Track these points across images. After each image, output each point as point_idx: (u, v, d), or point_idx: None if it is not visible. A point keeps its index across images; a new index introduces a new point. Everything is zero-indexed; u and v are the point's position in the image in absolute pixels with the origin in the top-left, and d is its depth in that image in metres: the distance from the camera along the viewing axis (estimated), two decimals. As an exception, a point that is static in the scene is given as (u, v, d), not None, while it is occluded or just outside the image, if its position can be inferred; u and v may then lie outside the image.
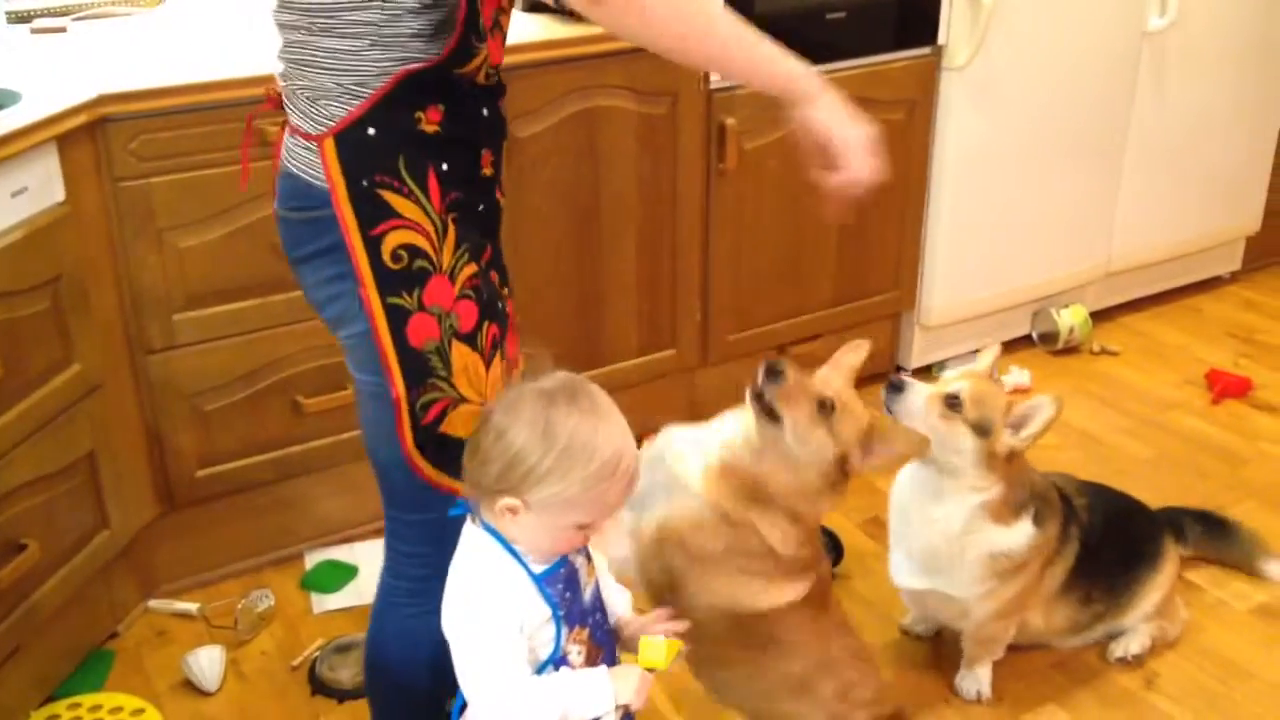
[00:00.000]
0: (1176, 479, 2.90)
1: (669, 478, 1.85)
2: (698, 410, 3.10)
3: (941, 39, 3.01)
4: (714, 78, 2.74)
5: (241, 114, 1.82)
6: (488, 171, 1.61)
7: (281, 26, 1.54)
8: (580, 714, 1.44)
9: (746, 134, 2.83)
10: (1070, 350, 3.51)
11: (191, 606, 2.47)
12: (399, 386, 1.53)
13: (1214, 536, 2.57)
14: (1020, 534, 2.13)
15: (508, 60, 2.37)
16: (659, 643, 1.52)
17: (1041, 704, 2.23)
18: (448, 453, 1.56)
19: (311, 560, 2.63)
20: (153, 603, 2.49)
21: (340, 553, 2.64)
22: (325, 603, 2.51)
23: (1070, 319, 3.48)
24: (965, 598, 2.17)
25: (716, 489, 1.79)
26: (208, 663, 2.28)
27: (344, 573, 2.58)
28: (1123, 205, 3.53)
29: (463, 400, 1.56)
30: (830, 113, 1.58)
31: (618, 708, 1.46)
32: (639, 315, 2.88)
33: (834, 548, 2.59)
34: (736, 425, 1.85)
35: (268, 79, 1.65)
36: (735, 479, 1.79)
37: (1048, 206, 3.37)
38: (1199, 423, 3.15)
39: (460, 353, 1.55)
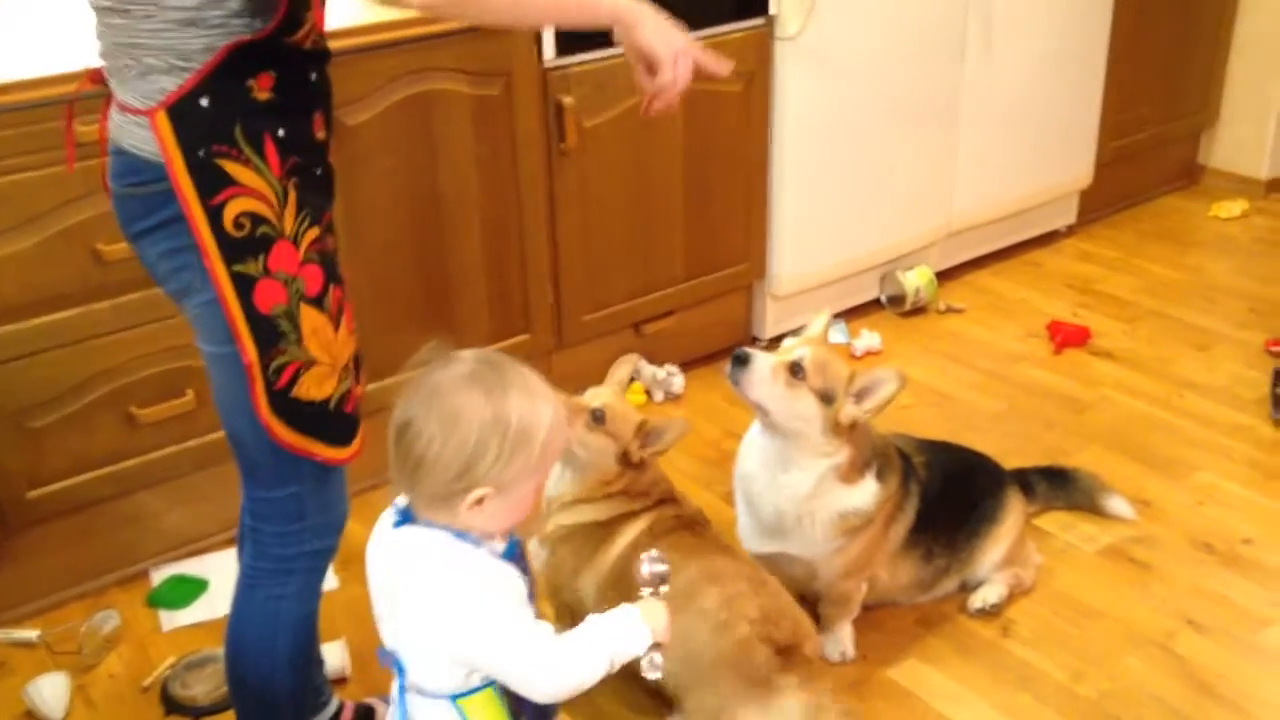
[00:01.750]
0: (1024, 429, 2.98)
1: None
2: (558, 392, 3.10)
3: (773, 9, 3.03)
4: (548, 55, 2.70)
5: (55, 113, 1.74)
6: (320, 135, 1.62)
7: (99, 10, 1.52)
8: (626, 655, 1.48)
9: (585, 112, 2.80)
10: (918, 311, 3.58)
11: (31, 634, 2.36)
12: (250, 353, 1.54)
13: (1058, 486, 2.64)
14: (866, 492, 2.17)
15: (335, 45, 2.32)
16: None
17: (902, 657, 2.27)
18: (303, 414, 1.59)
19: (158, 577, 2.53)
20: (-11, 633, 2.37)
21: (189, 566, 2.55)
22: (175, 619, 2.42)
23: (916, 280, 3.55)
24: (813, 558, 2.20)
25: (543, 528, 2.12)
26: (50, 692, 2.17)
27: (193, 587, 2.48)
28: (961, 165, 3.60)
29: (315, 362, 1.58)
30: (652, 31, 1.65)
31: (653, 645, 1.49)
32: (490, 301, 2.83)
33: (695, 522, 2.61)
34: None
35: (82, 75, 1.63)
36: (552, 506, 2.12)
37: (888, 171, 3.42)
38: (1043, 373, 3.24)
39: (309, 315, 1.56)
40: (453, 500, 1.40)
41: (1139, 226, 4.17)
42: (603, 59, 2.77)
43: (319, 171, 1.61)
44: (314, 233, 1.57)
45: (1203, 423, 2.98)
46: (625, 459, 2.07)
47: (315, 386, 1.60)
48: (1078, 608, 2.38)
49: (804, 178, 3.24)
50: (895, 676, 2.23)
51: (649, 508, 2.10)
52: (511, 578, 1.45)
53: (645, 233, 3.04)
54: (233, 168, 1.48)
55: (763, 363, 2.10)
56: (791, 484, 2.14)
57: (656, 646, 1.50)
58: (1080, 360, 3.30)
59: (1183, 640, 2.28)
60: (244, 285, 1.51)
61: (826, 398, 2.09)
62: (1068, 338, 3.36)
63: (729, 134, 3.09)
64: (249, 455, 1.66)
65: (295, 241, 1.54)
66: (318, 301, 1.58)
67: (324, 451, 1.64)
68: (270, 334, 1.54)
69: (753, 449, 2.23)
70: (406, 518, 1.47)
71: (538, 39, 2.68)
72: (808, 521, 2.16)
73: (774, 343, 3.40)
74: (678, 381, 3.18)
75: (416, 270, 2.68)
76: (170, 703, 2.20)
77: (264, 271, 1.52)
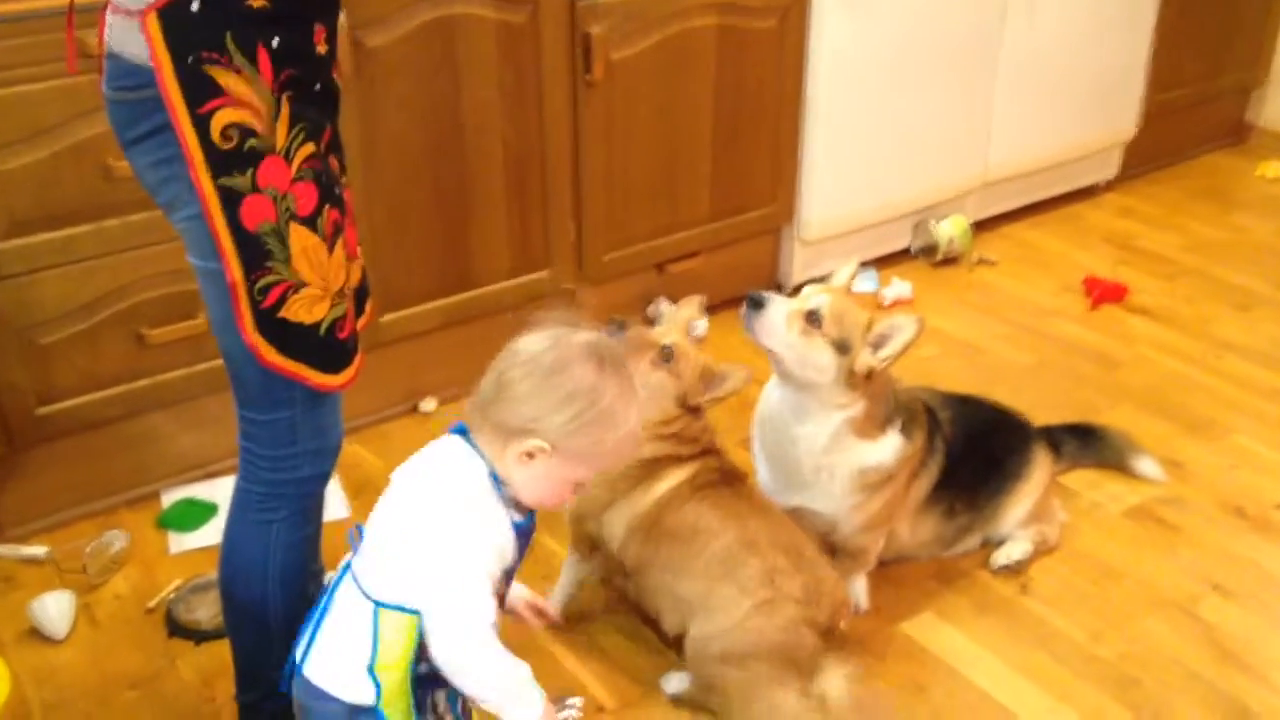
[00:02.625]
0: (1055, 384, 2.90)
1: None
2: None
3: (813, -59, 2.93)
4: (577, -17, 2.62)
5: (62, 23, 1.68)
6: (322, 49, 1.54)
7: None
8: (506, 712, 1.52)
9: (613, 43, 2.72)
10: (951, 261, 3.49)
11: (39, 550, 2.34)
12: (234, 270, 1.48)
13: (1087, 445, 2.57)
14: (888, 447, 2.10)
15: (350, -38, 2.23)
16: None
17: (918, 613, 2.22)
18: (291, 337, 1.54)
19: (169, 499, 2.51)
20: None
21: (199, 490, 2.52)
22: (183, 542, 2.40)
23: (950, 230, 3.46)
24: (833, 512, 2.14)
25: None
26: (55, 609, 2.16)
27: (203, 510, 2.46)
28: (999, 113, 3.50)
29: (304, 285, 1.53)
30: None
31: None
32: (510, 235, 2.77)
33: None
34: None
35: None
36: None
37: (925, 116, 3.32)
38: (1077, 328, 3.16)
39: (299, 235, 1.51)
40: (511, 440, 1.44)
41: (1183, 183, 4.06)
42: (634, -12, 2.69)
43: (318, 87, 1.54)
44: (309, 149, 1.51)
45: (1239, 384, 2.89)
46: (683, 401, 1.99)
47: (305, 309, 1.54)
48: (1100, 568, 2.31)
49: (837, 120, 3.16)
50: (910, 631, 2.18)
51: (694, 456, 2.01)
52: (504, 547, 1.48)
53: (671, 171, 2.96)
54: (223, 76, 1.42)
55: (778, 308, 2.03)
56: (806, 436, 2.08)
57: None
58: (1116, 317, 3.22)
59: (1208, 605, 2.22)
60: (230, 199, 1.46)
61: (842, 347, 2.02)
62: (1104, 293, 3.27)
63: (761, 72, 3.00)
64: (239, 374, 1.61)
65: (287, 157, 1.48)
66: (310, 221, 1.52)
67: (314, 377, 1.58)
68: (256, 252, 1.48)
69: (770, 399, 2.17)
70: (462, 430, 1.49)
71: (567, -35, 2.60)
72: (825, 475, 2.10)
73: (800, 288, 3.33)
74: (700, 325, 3.12)
75: (435, 200, 2.62)
76: (174, 625, 2.18)
77: (252, 186, 1.46)
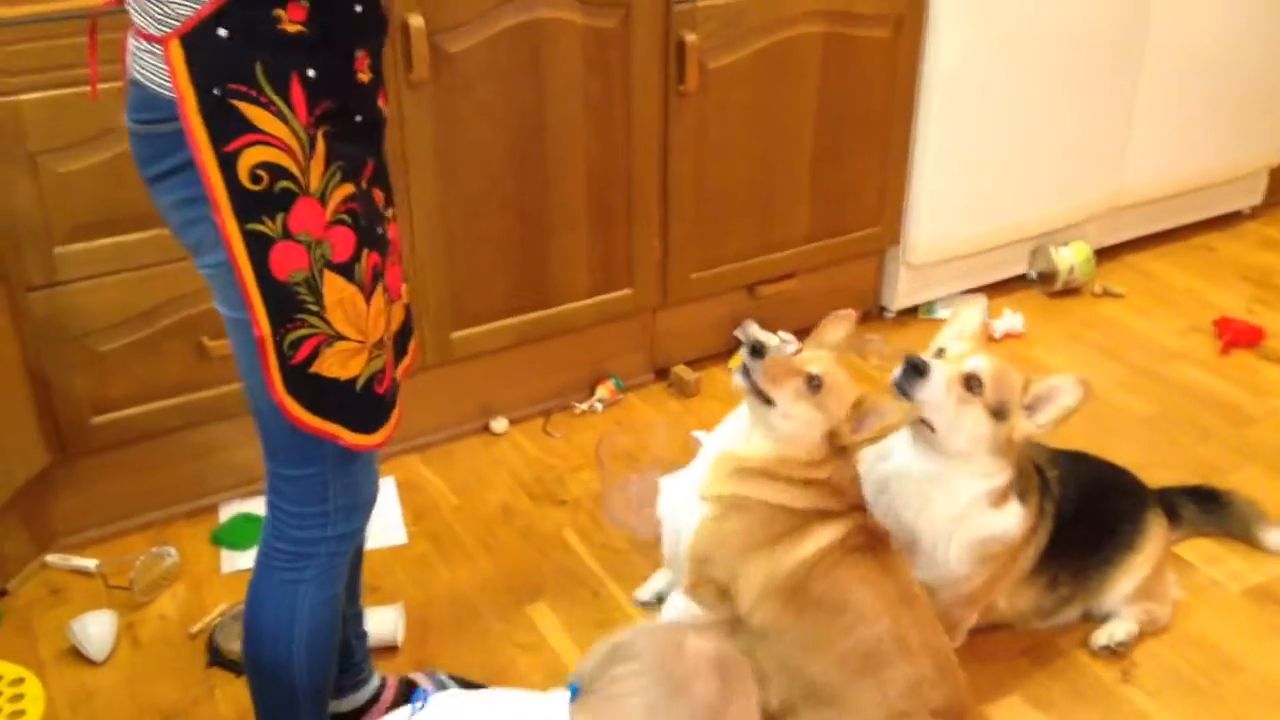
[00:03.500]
0: (1175, 439, 2.66)
1: (674, 522, 1.92)
2: (659, 354, 2.90)
3: (933, -53, 2.72)
4: (673, -12, 2.46)
5: (125, 21, 1.58)
6: (364, 76, 1.41)
7: None
8: None
9: (709, 52, 2.55)
10: (1070, 291, 3.25)
11: (90, 563, 2.28)
12: (263, 324, 1.37)
13: (1209, 511, 2.34)
14: (1012, 516, 1.92)
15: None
16: None
17: (1005, 695, 2.02)
18: (324, 394, 1.42)
19: (226, 513, 2.43)
20: (50, 558, 2.30)
21: (257, 505, 2.44)
22: (235, 561, 2.32)
23: (1071, 257, 3.22)
24: (938, 581, 1.95)
25: (712, 484, 1.83)
26: (95, 630, 2.09)
27: (258, 527, 2.36)
28: (1136, 133, 3.24)
29: (339, 337, 1.40)
30: None
31: None
32: (590, 252, 2.63)
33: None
34: (728, 424, 1.90)
35: None
36: (730, 464, 1.83)
37: (1050, 134, 3.08)
38: (1204, 375, 2.90)
39: (335, 284, 1.38)
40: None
41: (1335, 214, 3.74)
42: (735, -6, 2.52)
43: (360, 118, 1.41)
44: (346, 190, 1.38)
45: (1387, 451, 2.62)
46: (833, 439, 1.77)
47: (339, 364, 1.42)
48: (1214, 656, 2.09)
49: (952, 137, 2.94)
50: (994, 715, 1.98)
51: (845, 511, 1.80)
52: None
53: (766, 187, 2.78)
54: (251, 111, 1.30)
55: (939, 374, 1.83)
56: (939, 505, 1.89)
57: None
58: (1249, 364, 2.94)
59: (1335, 709, 1.98)
60: (259, 246, 1.34)
61: (1000, 413, 1.83)
62: (1237, 337, 3.00)
63: (871, 84, 2.80)
64: (266, 429, 1.50)
65: (323, 200, 1.36)
66: (346, 269, 1.39)
67: (347, 436, 1.46)
68: (286, 303, 1.36)
69: (891, 457, 1.95)
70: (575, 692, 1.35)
71: (661, -34, 2.44)
72: (944, 544, 1.91)
73: (906, 314, 3.14)
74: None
75: (513, 212, 2.49)
76: (215, 654, 2.10)
77: (283, 233, 1.34)
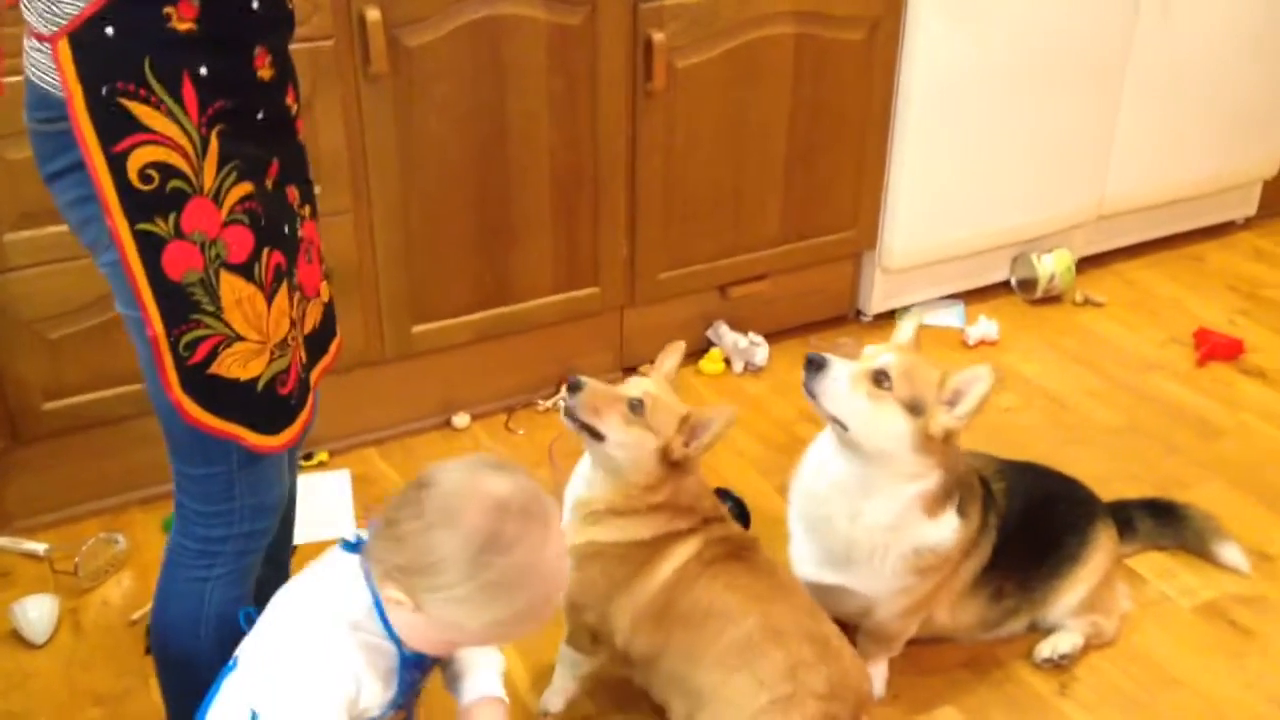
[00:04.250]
0: (1142, 451, 2.62)
1: None
2: (627, 353, 2.89)
3: (909, -52, 2.69)
4: (639, -14, 2.45)
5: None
6: (265, 74, 1.40)
7: None
8: None
9: (678, 51, 2.54)
10: (1051, 299, 3.22)
11: (39, 547, 2.30)
12: (155, 324, 1.37)
13: (1165, 525, 2.31)
14: (946, 527, 1.89)
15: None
16: None
17: (939, 705, 2.00)
18: (223, 394, 1.42)
19: (182, 501, 2.44)
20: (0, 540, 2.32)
21: (211, 494, 2.45)
22: (185, 549, 2.32)
23: (1052, 265, 3.18)
24: (874, 594, 1.93)
25: (568, 536, 1.81)
26: (35, 613, 2.11)
27: (209, 517, 2.39)
28: (1120, 140, 3.20)
29: (238, 338, 1.40)
30: None
31: None
32: (555, 250, 2.62)
33: (740, 515, 2.35)
34: (578, 472, 1.90)
35: None
36: (582, 511, 1.85)
37: (1032, 139, 3.05)
38: (1179, 387, 2.86)
39: (231, 285, 1.38)
40: (383, 580, 1.34)
41: (1332, 226, 3.67)
42: (703, -7, 2.50)
43: (260, 116, 1.40)
44: (243, 189, 1.37)
45: (1356, 468, 2.57)
46: (665, 456, 1.79)
47: (239, 365, 1.41)
48: (1155, 672, 2.06)
49: (930, 140, 2.91)
50: (924, 725, 1.97)
51: (695, 528, 1.82)
52: (369, 680, 1.36)
53: (737, 188, 2.77)
54: (140, 110, 1.29)
55: (841, 369, 1.80)
56: (871, 513, 1.86)
57: None
58: (1226, 377, 2.90)
59: (1273, 731, 1.95)
60: (151, 247, 1.33)
61: (915, 408, 1.80)
62: (1215, 349, 2.95)
63: (846, 87, 2.78)
64: (168, 429, 1.49)
65: (217, 199, 1.35)
66: (244, 269, 1.38)
67: (249, 437, 1.46)
68: (180, 304, 1.36)
69: (825, 468, 1.92)
70: (356, 546, 1.37)
71: (628, -35, 2.43)
72: (880, 555, 1.88)
73: (882, 319, 3.12)
74: (761, 353, 2.93)
75: (475, 209, 2.49)
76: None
77: (175, 233, 1.33)
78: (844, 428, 1.82)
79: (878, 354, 1.86)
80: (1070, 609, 2.10)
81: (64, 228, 2.09)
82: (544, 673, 2.01)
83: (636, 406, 1.77)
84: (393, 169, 2.38)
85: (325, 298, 1.64)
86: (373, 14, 2.21)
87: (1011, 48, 2.90)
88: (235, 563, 1.57)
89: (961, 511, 1.91)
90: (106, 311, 2.22)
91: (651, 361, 2.84)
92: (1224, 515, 2.35)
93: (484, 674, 1.56)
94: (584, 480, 1.87)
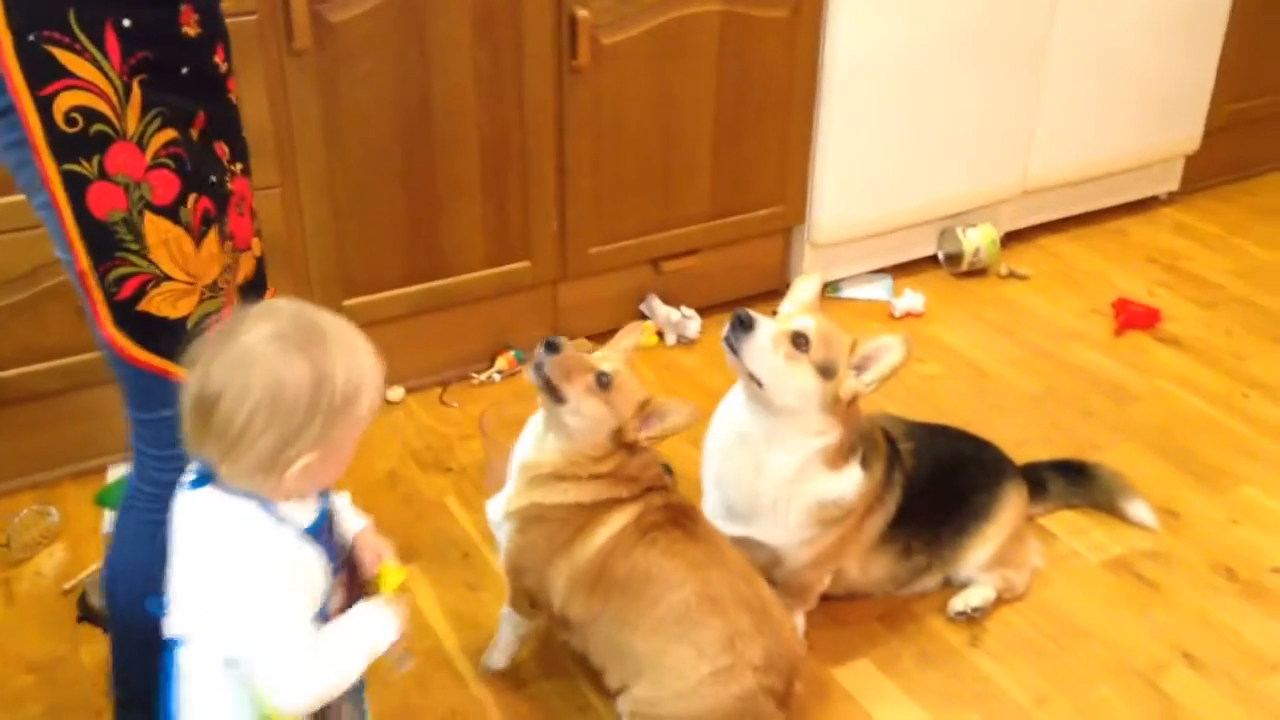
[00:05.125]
0: (1058, 416, 2.70)
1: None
2: (562, 327, 2.93)
3: (829, -73, 2.75)
4: (562, -38, 2.49)
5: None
6: (190, 30, 1.46)
7: None
8: (379, 650, 1.39)
9: (602, 28, 2.58)
10: (977, 273, 3.29)
11: (-29, 521, 2.32)
12: (82, 260, 1.42)
13: (1076, 484, 2.39)
14: (849, 480, 1.95)
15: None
16: (395, 568, 1.48)
17: (855, 658, 2.07)
18: (155, 331, 1.47)
19: (114, 474, 2.46)
20: (-67, 516, 2.34)
21: (144, 468, 2.48)
22: (118, 521, 2.35)
23: (977, 239, 3.25)
24: (781, 545, 2.00)
25: (512, 500, 1.87)
26: (-34, 584, 2.13)
27: (142, 490, 2.41)
28: (1043, 117, 3.27)
29: (166, 277, 1.46)
30: None
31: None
32: (485, 222, 2.66)
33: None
34: (526, 434, 1.92)
35: None
36: (528, 474, 1.86)
37: (957, 115, 3.12)
38: (1096, 355, 2.94)
39: (157, 226, 1.43)
40: (273, 471, 1.29)
41: (1252, 201, 3.77)
42: (626, -30, 2.55)
43: (185, 70, 1.45)
44: (167, 134, 1.42)
45: (1262, 430, 2.65)
46: (618, 438, 1.80)
47: (168, 304, 1.47)
48: (1063, 624, 2.13)
49: (855, 117, 2.97)
50: (840, 677, 2.03)
51: (636, 496, 1.84)
52: (306, 565, 1.34)
53: (665, 164, 2.82)
54: (65, 57, 1.34)
55: (765, 330, 1.86)
56: (774, 465, 1.92)
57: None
58: (1142, 345, 2.98)
59: (1173, 676, 2.02)
60: (76, 186, 1.39)
61: (827, 371, 1.86)
62: (1132, 318, 3.04)
63: (770, 64, 2.84)
64: (118, 375, 1.54)
65: (140, 143, 1.40)
66: (169, 211, 1.44)
67: (179, 372, 1.50)
68: (105, 241, 1.42)
69: (731, 422, 1.99)
70: (205, 478, 1.34)
71: (551, -58, 2.47)
72: (783, 507, 1.95)
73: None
74: (693, 325, 2.98)
75: (403, 183, 2.53)
76: (85, 610, 2.13)
77: (99, 173, 1.39)
78: (759, 384, 1.88)
79: (794, 315, 1.92)
80: (980, 565, 2.16)
81: (-10, 201, 2.14)
82: (474, 637, 2.06)
83: (605, 381, 1.79)
84: (318, 143, 2.41)
85: (258, 252, 1.69)
86: (251, -6, 2.24)
87: (934, 25, 2.96)
88: None
89: (865, 466, 1.97)
90: (36, 285, 2.25)
91: (587, 337, 2.92)
92: (1135, 476, 2.43)
93: (347, 514, 1.53)
94: (533, 442, 1.89)
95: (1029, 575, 2.21)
